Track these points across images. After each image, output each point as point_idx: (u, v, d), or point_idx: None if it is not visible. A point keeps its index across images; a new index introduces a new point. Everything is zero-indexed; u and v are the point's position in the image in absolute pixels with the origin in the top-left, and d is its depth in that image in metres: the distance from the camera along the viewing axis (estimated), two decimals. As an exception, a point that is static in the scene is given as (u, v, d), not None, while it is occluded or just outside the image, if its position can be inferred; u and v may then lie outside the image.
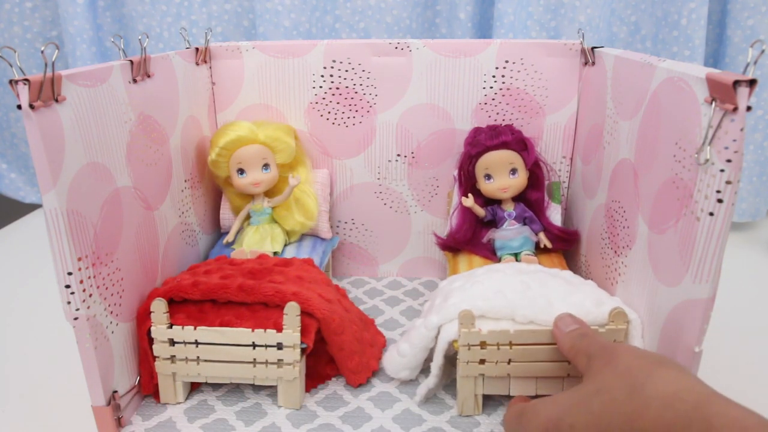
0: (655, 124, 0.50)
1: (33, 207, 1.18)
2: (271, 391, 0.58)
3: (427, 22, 1.01)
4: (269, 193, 0.73)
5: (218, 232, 0.80)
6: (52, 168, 0.43)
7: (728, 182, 0.39)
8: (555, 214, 0.72)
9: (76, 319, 0.47)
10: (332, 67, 0.74)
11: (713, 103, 0.40)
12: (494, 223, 0.70)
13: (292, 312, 0.53)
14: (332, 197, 0.80)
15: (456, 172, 0.75)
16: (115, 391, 0.52)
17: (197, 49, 0.73)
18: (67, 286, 0.46)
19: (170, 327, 0.54)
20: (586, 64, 0.69)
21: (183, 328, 0.54)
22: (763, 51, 0.38)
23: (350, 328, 0.59)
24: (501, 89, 0.73)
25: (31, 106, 0.41)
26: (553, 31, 0.97)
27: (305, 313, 0.55)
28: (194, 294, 0.55)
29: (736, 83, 0.37)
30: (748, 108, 0.38)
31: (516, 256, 0.67)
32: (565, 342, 0.48)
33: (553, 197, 0.72)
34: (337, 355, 0.58)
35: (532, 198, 0.70)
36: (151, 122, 0.60)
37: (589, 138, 0.68)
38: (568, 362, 0.52)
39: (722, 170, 0.39)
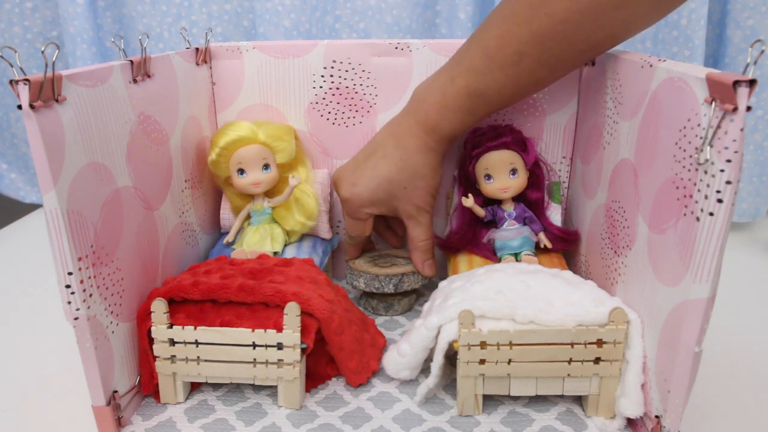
0: (655, 124, 0.50)
1: (33, 207, 1.18)
2: (271, 391, 0.58)
3: (427, 22, 1.01)
4: (269, 193, 0.73)
5: (218, 232, 0.80)
6: (53, 168, 0.43)
7: (728, 182, 0.39)
8: (555, 214, 0.72)
9: (76, 319, 0.47)
10: (332, 67, 0.74)
11: (713, 103, 0.40)
12: (494, 223, 0.70)
13: (292, 312, 0.53)
14: (332, 197, 0.80)
15: (456, 172, 0.75)
16: (116, 391, 0.52)
17: (197, 49, 0.73)
18: (68, 286, 0.46)
19: (170, 327, 0.54)
20: (586, 64, 0.69)
21: (183, 328, 0.54)
22: (763, 51, 0.38)
23: (350, 329, 0.59)
24: (501, 89, 0.73)
25: (32, 106, 0.41)
26: (553, 31, 0.96)
27: (305, 313, 0.55)
28: (194, 294, 0.55)
29: (736, 83, 0.37)
30: (748, 108, 0.38)
31: (516, 256, 0.67)
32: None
33: (553, 197, 0.72)
34: (337, 355, 0.58)
35: (532, 198, 0.70)
36: (152, 122, 0.60)
37: (589, 138, 0.68)
38: (568, 362, 0.52)
39: (722, 170, 0.39)
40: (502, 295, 0.53)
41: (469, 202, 0.67)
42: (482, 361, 0.53)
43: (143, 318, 0.55)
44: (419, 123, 0.64)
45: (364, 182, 0.66)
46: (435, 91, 0.63)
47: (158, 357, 0.55)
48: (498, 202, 0.69)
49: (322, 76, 0.75)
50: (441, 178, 0.69)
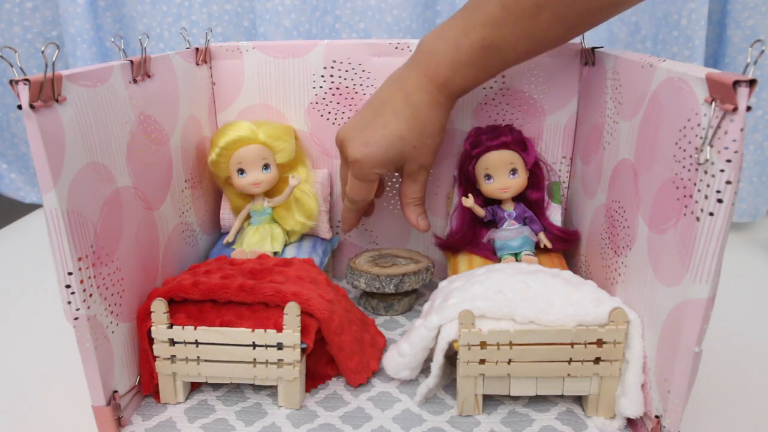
0: (655, 124, 0.50)
1: (33, 207, 1.18)
2: (271, 391, 0.58)
3: (427, 22, 1.01)
4: (269, 193, 0.73)
5: (218, 232, 0.80)
6: (53, 168, 0.43)
7: (728, 182, 0.39)
8: (555, 214, 0.72)
9: (76, 319, 0.47)
10: (332, 67, 0.74)
11: (713, 103, 0.40)
12: (494, 223, 0.70)
13: (292, 312, 0.53)
14: (332, 197, 0.80)
15: (456, 172, 0.75)
16: (116, 391, 0.52)
17: (197, 49, 0.73)
18: (68, 286, 0.46)
19: (170, 327, 0.54)
20: (586, 64, 0.69)
21: (183, 328, 0.54)
22: (763, 51, 0.38)
23: (350, 329, 0.59)
24: (501, 89, 0.73)
25: (32, 106, 0.41)
26: (553, 31, 0.96)
27: (305, 313, 0.55)
28: (194, 294, 0.55)
29: (736, 83, 0.37)
30: (748, 108, 0.38)
31: (516, 256, 0.67)
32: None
33: (553, 197, 0.72)
34: (337, 355, 0.58)
35: (532, 198, 0.70)
36: (152, 122, 0.60)
37: (589, 138, 0.68)
38: (568, 362, 0.52)
39: (722, 170, 0.39)
40: (502, 295, 0.53)
41: (469, 202, 0.67)
42: (482, 361, 0.53)
43: (143, 318, 0.55)
44: (429, 78, 0.62)
45: (376, 141, 0.62)
46: (447, 44, 0.60)
47: (158, 357, 0.55)
48: (498, 202, 0.69)
49: (322, 76, 0.75)
50: (445, 136, 0.66)
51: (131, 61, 0.56)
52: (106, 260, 0.50)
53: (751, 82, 0.37)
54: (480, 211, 0.69)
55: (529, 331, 0.52)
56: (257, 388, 0.59)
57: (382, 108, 0.63)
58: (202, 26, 1.04)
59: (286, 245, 0.74)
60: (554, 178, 0.75)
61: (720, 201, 0.40)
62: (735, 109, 0.38)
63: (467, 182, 0.71)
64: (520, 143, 0.68)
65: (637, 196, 0.53)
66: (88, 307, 0.47)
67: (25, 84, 0.41)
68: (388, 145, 0.62)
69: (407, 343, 0.57)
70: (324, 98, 0.76)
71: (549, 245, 0.69)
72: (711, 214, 0.40)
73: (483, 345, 0.52)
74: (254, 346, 0.54)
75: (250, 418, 0.55)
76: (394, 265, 0.73)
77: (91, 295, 0.48)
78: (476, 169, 0.69)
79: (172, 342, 0.55)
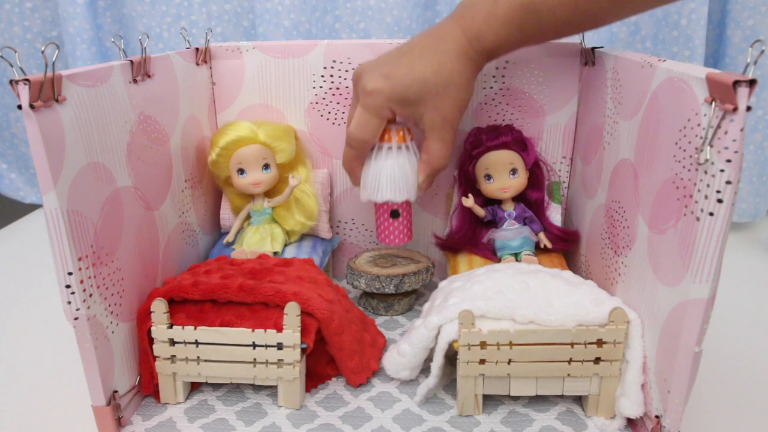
0: (655, 124, 0.50)
1: (33, 207, 1.18)
2: (271, 391, 0.58)
3: (427, 22, 1.01)
4: (269, 193, 0.73)
5: (218, 232, 0.80)
6: (53, 168, 0.43)
7: (728, 182, 0.39)
8: (555, 214, 0.72)
9: (76, 319, 0.47)
10: (332, 67, 0.74)
11: (713, 103, 0.40)
12: (494, 223, 0.70)
13: (292, 312, 0.53)
14: (332, 197, 0.80)
15: (456, 172, 0.75)
16: (116, 391, 0.52)
17: (197, 49, 0.73)
18: (68, 286, 0.46)
19: (170, 327, 0.54)
20: (586, 64, 0.69)
21: (183, 328, 0.54)
22: (763, 51, 0.38)
23: (350, 329, 0.59)
24: (501, 89, 0.73)
25: (32, 106, 0.41)
26: (553, 31, 0.97)
27: (305, 313, 0.55)
28: (194, 294, 0.55)
29: (736, 83, 0.37)
30: (748, 108, 0.38)
31: (516, 256, 0.67)
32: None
33: (553, 197, 0.72)
34: (337, 355, 0.58)
35: (532, 198, 0.70)
36: (152, 122, 0.60)
37: (589, 138, 0.68)
38: (568, 362, 0.52)
39: (722, 170, 0.39)
40: (502, 295, 0.53)
41: (469, 202, 0.67)
42: (482, 361, 0.53)
43: (143, 318, 0.55)
44: (463, 29, 0.60)
45: (398, 76, 0.60)
46: None
47: (158, 357, 0.55)
48: (498, 202, 0.69)
49: (322, 76, 0.75)
50: (472, 94, 0.64)
51: (131, 61, 0.56)
52: (106, 260, 0.50)
53: (751, 82, 0.37)
54: (480, 211, 0.69)
55: (529, 331, 0.52)
56: (257, 388, 0.59)
57: (411, 50, 0.62)
58: (202, 26, 1.04)
59: (286, 245, 0.74)
60: (554, 178, 0.75)
61: (720, 201, 0.40)
62: (735, 109, 0.38)
63: (467, 182, 0.71)
64: (520, 143, 0.68)
65: (637, 196, 0.53)
66: (88, 307, 0.47)
67: (25, 84, 0.41)
68: (409, 83, 0.60)
69: (407, 343, 0.57)
70: (324, 98, 0.76)
71: (549, 245, 0.69)
72: (711, 214, 0.40)
73: (483, 345, 0.52)
74: (254, 346, 0.54)
75: (250, 418, 0.55)
76: (394, 265, 0.73)
77: (91, 295, 0.48)
78: (476, 169, 0.69)
79: (172, 342, 0.55)
